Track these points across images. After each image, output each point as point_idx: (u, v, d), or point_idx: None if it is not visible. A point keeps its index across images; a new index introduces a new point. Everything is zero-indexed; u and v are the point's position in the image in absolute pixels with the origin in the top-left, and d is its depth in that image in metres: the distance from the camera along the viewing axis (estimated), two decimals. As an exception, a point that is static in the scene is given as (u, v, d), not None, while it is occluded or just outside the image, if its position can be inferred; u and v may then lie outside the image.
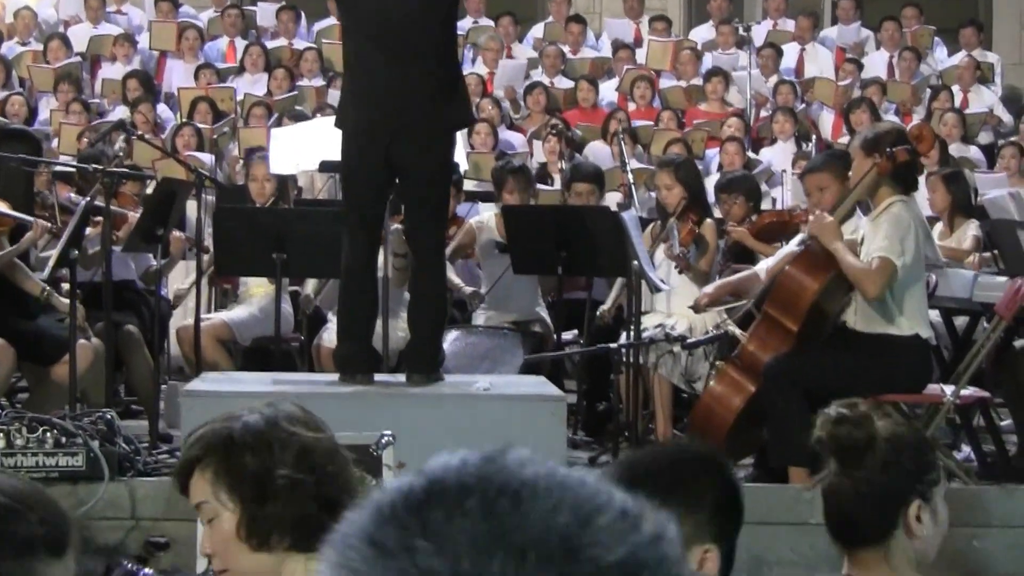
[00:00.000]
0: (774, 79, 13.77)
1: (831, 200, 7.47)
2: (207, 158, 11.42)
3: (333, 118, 7.63)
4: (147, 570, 2.95)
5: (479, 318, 9.10)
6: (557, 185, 10.70)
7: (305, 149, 9.13)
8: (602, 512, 1.03)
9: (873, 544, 3.05)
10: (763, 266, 8.00)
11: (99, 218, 8.13)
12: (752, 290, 7.69)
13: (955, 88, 13.88)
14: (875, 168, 7.06)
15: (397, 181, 7.18)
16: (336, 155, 7.31)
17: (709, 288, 8.02)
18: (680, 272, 8.42)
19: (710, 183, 10.03)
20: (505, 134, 12.56)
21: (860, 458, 3.05)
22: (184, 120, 12.32)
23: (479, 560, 0.99)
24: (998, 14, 16.39)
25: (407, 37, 6.97)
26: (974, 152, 12.67)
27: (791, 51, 14.55)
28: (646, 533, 1.04)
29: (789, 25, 14.92)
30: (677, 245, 8.42)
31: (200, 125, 11.99)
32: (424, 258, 7.28)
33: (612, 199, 10.36)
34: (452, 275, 9.27)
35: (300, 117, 11.61)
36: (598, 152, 12.02)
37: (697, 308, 8.01)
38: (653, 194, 10.37)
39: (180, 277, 9.67)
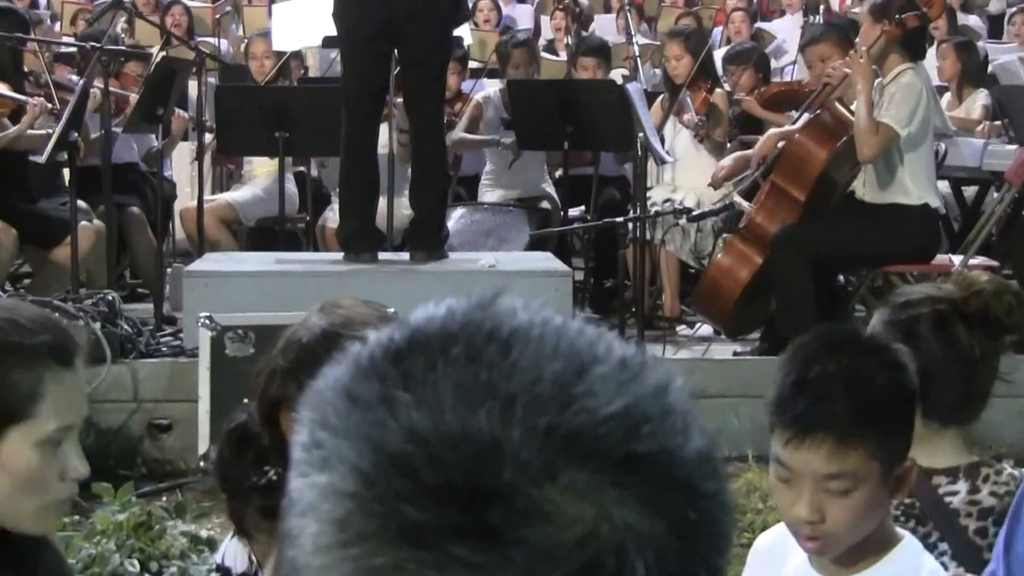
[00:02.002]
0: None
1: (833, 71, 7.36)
2: (213, 41, 11.30)
3: None
4: None
5: (486, 195, 9.03)
6: (564, 57, 10.59)
7: (308, 24, 9.00)
8: (600, 361, 0.94)
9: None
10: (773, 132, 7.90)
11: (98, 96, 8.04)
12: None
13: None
14: (884, 34, 6.96)
15: (396, 53, 7.10)
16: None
17: (727, 161, 7.93)
18: (701, 141, 8.36)
19: (718, 58, 9.91)
20: (509, 9, 12.41)
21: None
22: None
23: (463, 411, 0.91)
24: None
25: None
26: (974, 21, 12.53)
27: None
28: (649, 384, 0.95)
29: None
30: (694, 114, 8.35)
31: (199, 4, 11.83)
32: (424, 131, 7.20)
33: (618, 75, 10.24)
34: (471, 135, 9.14)
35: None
36: (605, 27, 11.88)
37: (715, 183, 7.94)
38: (658, 70, 10.27)
39: (183, 157, 9.59)
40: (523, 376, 0.93)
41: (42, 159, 7.85)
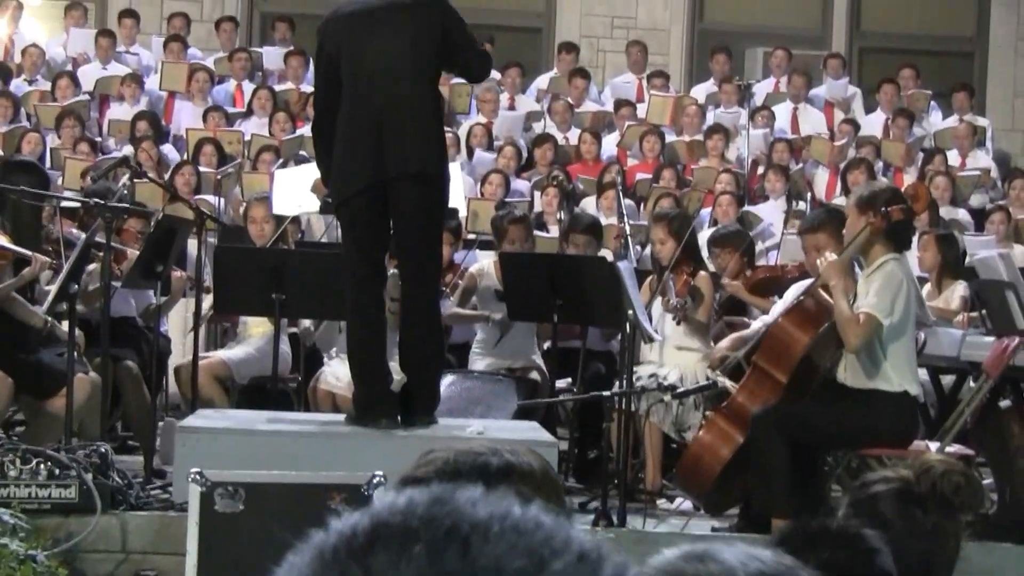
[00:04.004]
0: (772, 138, 13.91)
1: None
2: (213, 200, 11.50)
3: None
4: None
5: (477, 363, 9.18)
6: (554, 234, 10.80)
7: (307, 191, 9.23)
8: (558, 556, 0.97)
9: None
10: (765, 320, 8.15)
11: (100, 253, 8.19)
12: None
13: (953, 152, 14.05)
14: (869, 226, 7.14)
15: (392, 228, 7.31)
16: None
17: (724, 343, 8.14)
18: (679, 323, 8.54)
19: (704, 238, 10.12)
20: (513, 183, 12.67)
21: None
22: (188, 160, 12.40)
23: None
24: (991, 80, 16.63)
25: (393, 90, 7.16)
26: (963, 215, 12.84)
27: (785, 110, 14.70)
28: None
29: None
30: (674, 296, 8.55)
31: (203, 168, 12.06)
32: (417, 303, 7.36)
33: (606, 255, 10.45)
34: (464, 310, 9.32)
35: (303, 162, 11.72)
36: (590, 209, 12.11)
37: (713, 364, 8.12)
38: (638, 247, 10.46)
39: (180, 315, 9.74)
40: None
41: (43, 309, 8.01)
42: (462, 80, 12.49)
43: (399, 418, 7.34)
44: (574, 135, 13.99)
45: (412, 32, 7.23)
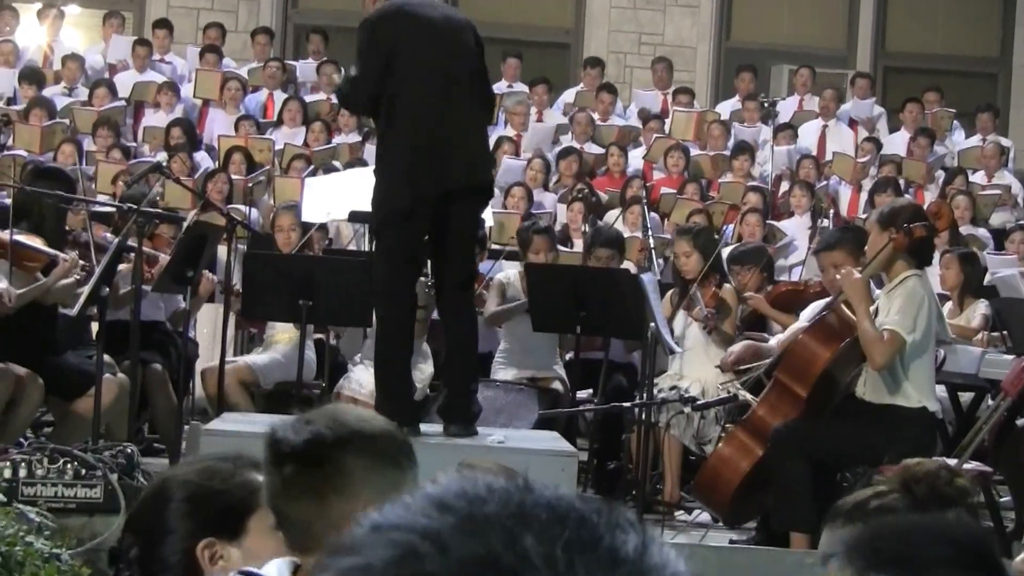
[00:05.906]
0: (797, 155, 13.98)
1: None
2: (243, 209, 11.59)
3: (365, 169, 7.82)
4: None
5: (499, 372, 9.26)
6: (578, 248, 10.88)
7: (337, 199, 9.33)
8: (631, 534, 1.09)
9: None
10: (780, 339, 8.20)
11: (131, 256, 8.30)
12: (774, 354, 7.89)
13: (981, 173, 14.09)
14: (891, 243, 7.18)
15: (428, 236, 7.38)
16: (367, 206, 7.51)
17: (736, 347, 8.20)
18: (709, 333, 8.62)
19: (724, 256, 10.18)
20: (537, 195, 12.75)
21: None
22: (219, 167, 12.50)
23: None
24: (1015, 101, 16.70)
25: (457, 104, 7.23)
26: (982, 233, 12.88)
27: (813, 127, 14.76)
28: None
29: (814, 103, 15.12)
30: (703, 308, 8.63)
31: (234, 176, 12.17)
32: (459, 310, 7.45)
33: (630, 268, 10.51)
34: (503, 306, 9.38)
35: (334, 171, 11.81)
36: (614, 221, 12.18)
37: (724, 367, 8.18)
38: (661, 261, 10.54)
39: (208, 321, 9.84)
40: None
41: (74, 312, 8.10)
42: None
43: (419, 427, 7.43)
44: (591, 147, 14.07)
45: (469, 51, 7.35)
